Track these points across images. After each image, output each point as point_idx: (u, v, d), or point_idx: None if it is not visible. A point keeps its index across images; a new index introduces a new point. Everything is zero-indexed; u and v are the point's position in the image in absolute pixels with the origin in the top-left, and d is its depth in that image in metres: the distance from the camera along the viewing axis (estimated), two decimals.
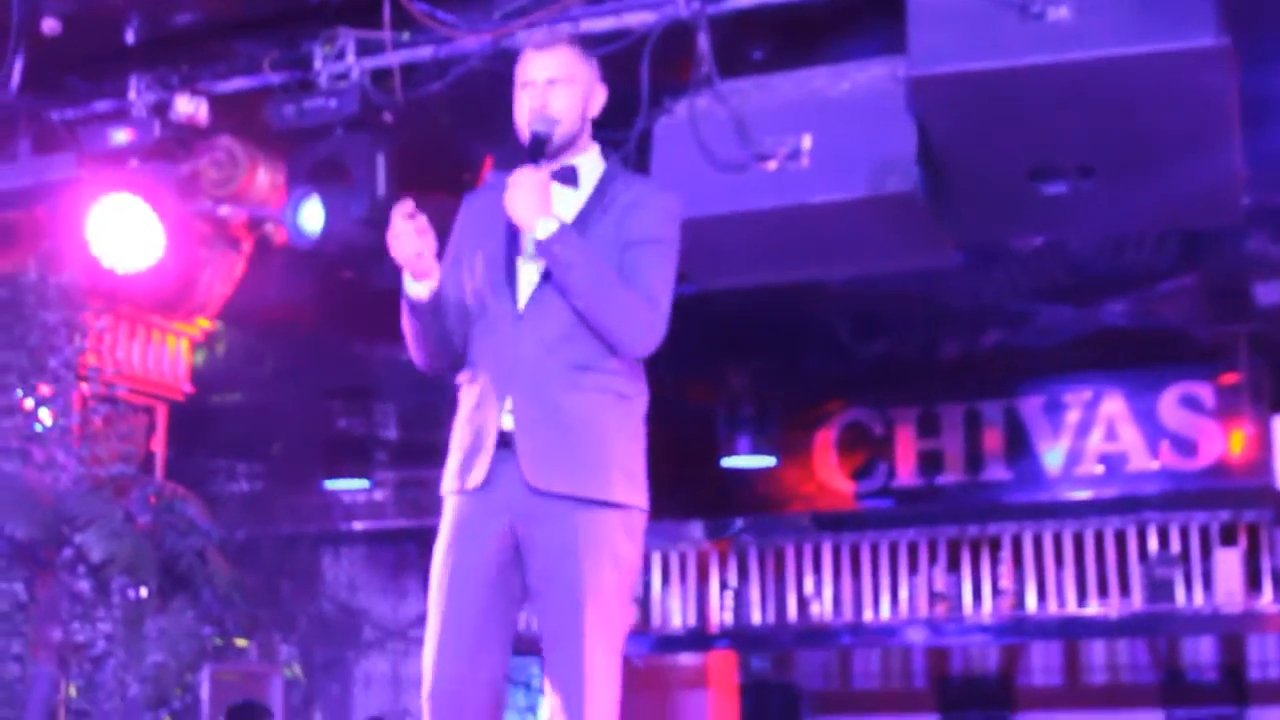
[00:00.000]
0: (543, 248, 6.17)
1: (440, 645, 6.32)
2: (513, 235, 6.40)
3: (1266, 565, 16.73)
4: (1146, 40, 9.72)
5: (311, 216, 11.54)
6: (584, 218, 6.40)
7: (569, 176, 6.48)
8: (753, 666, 19.49)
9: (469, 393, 6.46)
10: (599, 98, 6.64)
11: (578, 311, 6.21)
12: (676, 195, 6.69)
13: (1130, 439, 17.03)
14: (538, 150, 6.32)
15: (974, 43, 9.93)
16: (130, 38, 12.07)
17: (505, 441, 6.22)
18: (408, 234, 6.12)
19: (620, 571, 6.30)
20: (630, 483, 6.33)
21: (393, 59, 11.45)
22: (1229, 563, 16.89)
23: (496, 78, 8.78)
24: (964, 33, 9.95)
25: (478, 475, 6.26)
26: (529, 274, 6.36)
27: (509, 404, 6.25)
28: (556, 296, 6.25)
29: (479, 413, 6.35)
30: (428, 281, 6.23)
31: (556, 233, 6.12)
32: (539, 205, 6.15)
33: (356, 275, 10.91)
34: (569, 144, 6.51)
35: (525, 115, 6.41)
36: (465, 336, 6.51)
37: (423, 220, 6.15)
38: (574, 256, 6.16)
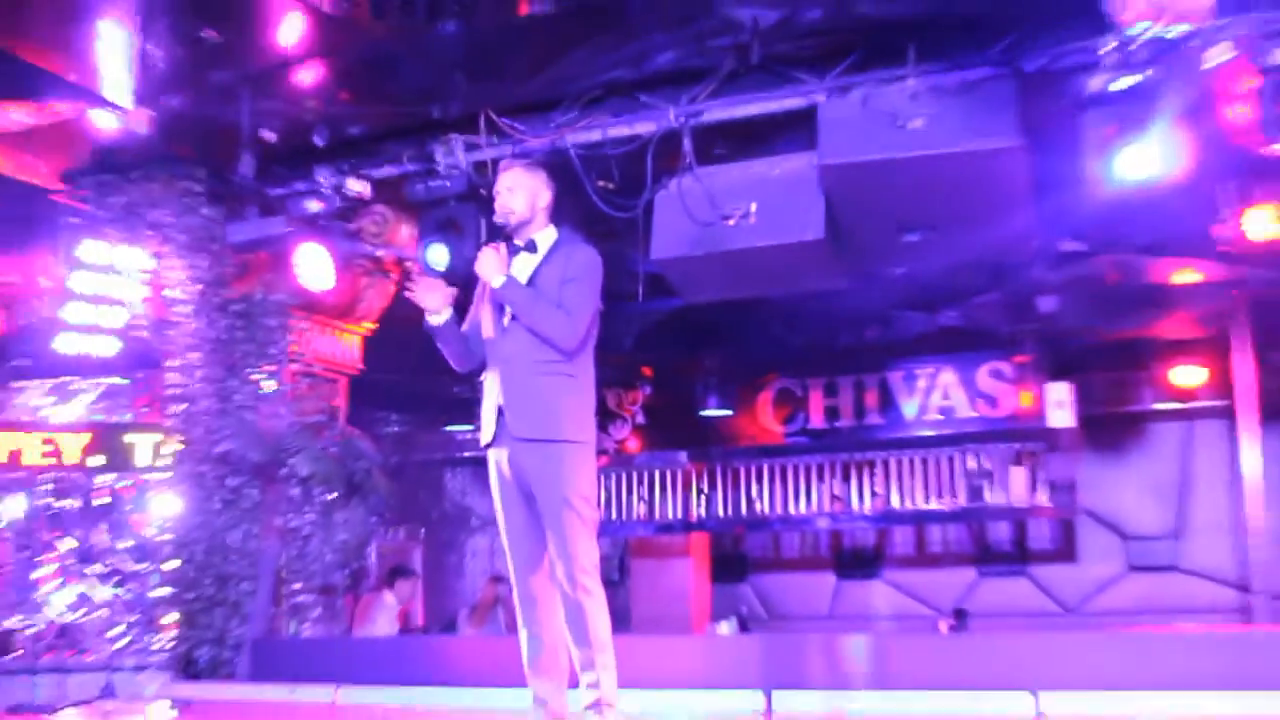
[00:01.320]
0: (497, 294, 6.86)
1: (510, 543, 7.01)
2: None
3: (1041, 477, 16.63)
4: (970, 141, 9.73)
5: (438, 257, 11.48)
6: (539, 270, 6.96)
7: (531, 247, 7.03)
8: (718, 542, 19.38)
9: (485, 385, 7.03)
10: (545, 195, 7.13)
11: (524, 326, 6.81)
12: (595, 251, 7.13)
13: (958, 398, 16.87)
14: (497, 233, 7.04)
15: (861, 142, 9.92)
16: (319, 142, 11.96)
17: (500, 413, 6.84)
18: (425, 290, 6.97)
19: (581, 480, 6.80)
20: (576, 427, 6.84)
21: (486, 154, 11.36)
22: (1018, 476, 16.77)
23: (551, 166, 8.70)
24: (855, 136, 9.94)
25: (487, 435, 6.95)
26: (509, 309, 6.92)
27: (501, 390, 6.84)
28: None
29: (489, 397, 6.95)
30: (439, 316, 6.97)
31: (505, 284, 6.82)
32: (494, 269, 6.82)
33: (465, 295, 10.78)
34: (525, 226, 7.05)
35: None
36: (480, 351, 7.13)
37: (430, 280, 7.06)
38: (515, 297, 6.82)
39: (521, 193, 7.00)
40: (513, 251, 6.99)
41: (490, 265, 6.79)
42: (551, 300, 6.81)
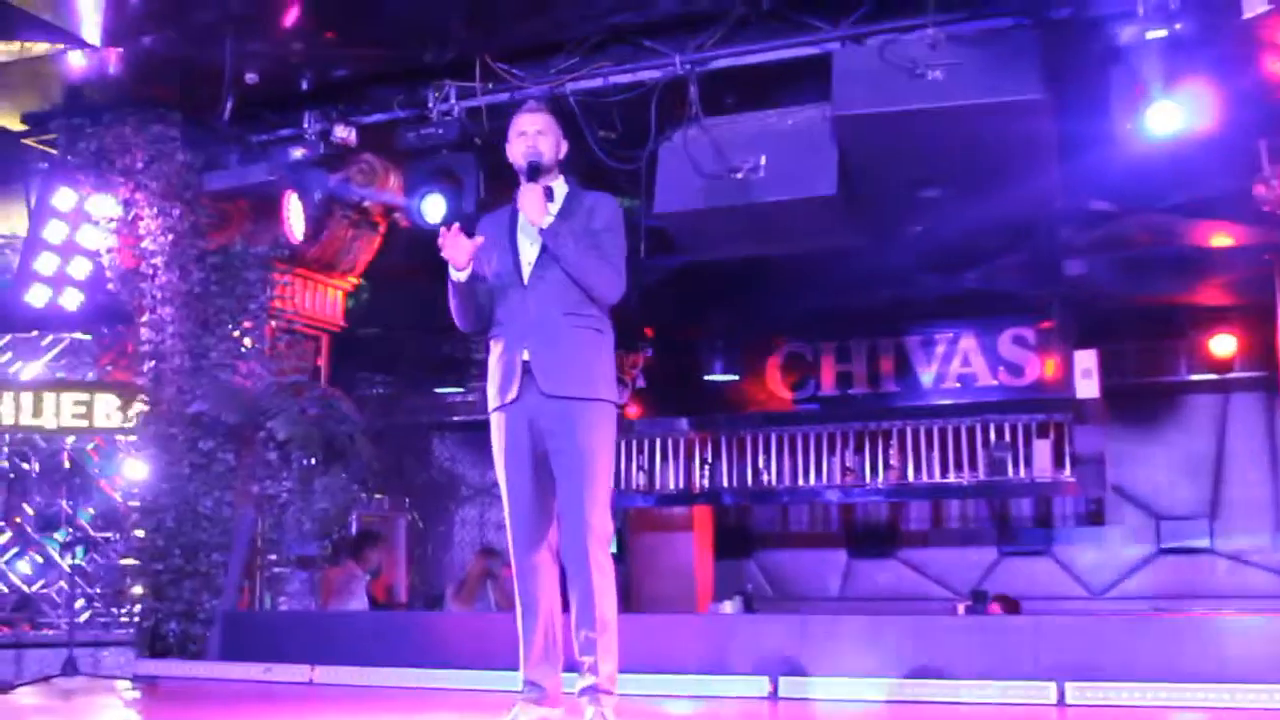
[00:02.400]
0: (545, 233, 6.81)
1: (514, 515, 6.98)
2: (513, 240, 7.02)
3: (1067, 450, 16.76)
4: (993, 94, 9.82)
5: (433, 209, 11.68)
6: (559, 219, 6.89)
7: (549, 195, 6.97)
8: (723, 516, 19.46)
9: (496, 344, 7.03)
10: (564, 147, 7.23)
11: (568, 275, 6.82)
12: (616, 199, 7.25)
13: (978, 365, 17.06)
14: (534, 173, 6.94)
15: (878, 93, 10.00)
16: (304, 86, 12.07)
17: (527, 369, 6.79)
18: (452, 243, 6.78)
19: (607, 445, 6.92)
20: (607, 386, 6.91)
21: (481, 102, 11.47)
22: (1042, 449, 16.90)
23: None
24: (871, 86, 10.02)
25: (511, 393, 6.86)
26: (529, 257, 6.97)
27: (527, 346, 6.81)
28: (550, 270, 6.87)
29: (507, 354, 6.92)
30: (465, 271, 6.84)
31: (553, 224, 6.81)
32: (541, 207, 6.79)
33: None
34: (548, 173, 7.06)
35: (520, 152, 7.06)
36: (490, 309, 7.03)
37: (458, 234, 6.83)
38: (565, 238, 6.81)
39: (550, 137, 7.09)
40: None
41: (534, 205, 6.80)
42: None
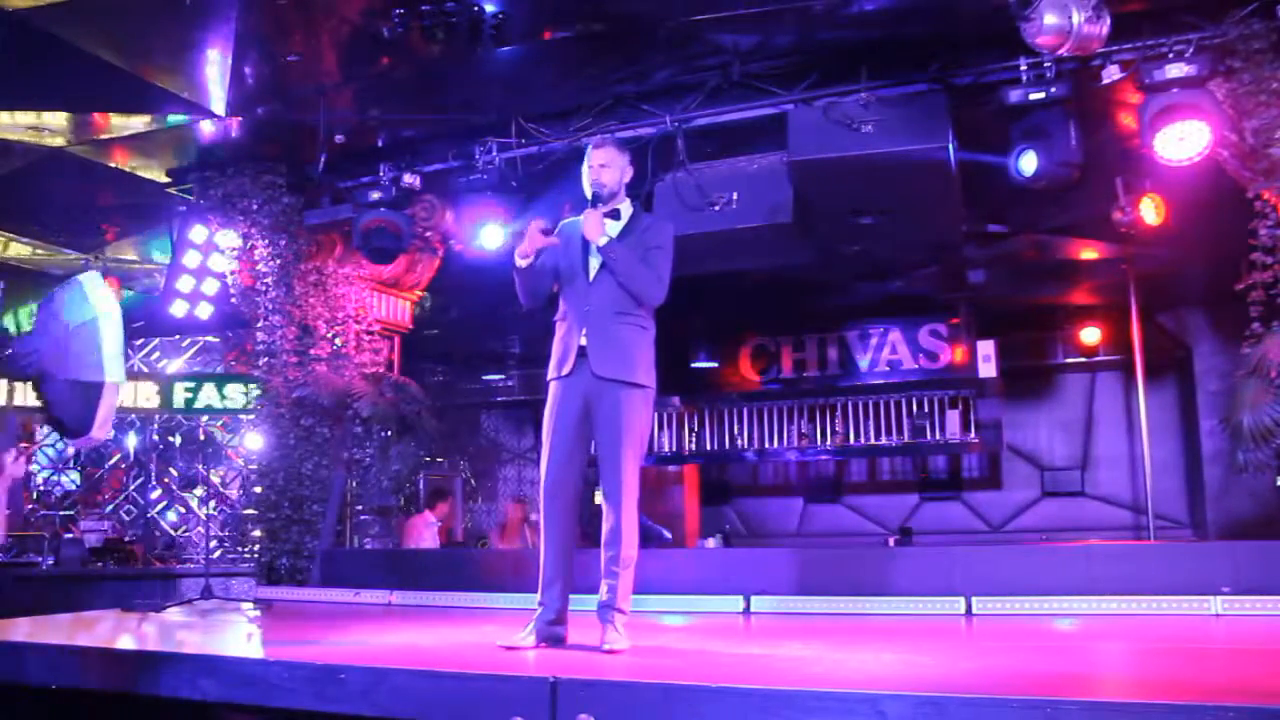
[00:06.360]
0: (602, 250, 6.73)
1: (549, 463, 6.81)
2: (584, 247, 6.87)
3: (972, 418, 16.73)
4: (912, 142, 9.80)
5: (490, 237, 11.87)
6: (622, 236, 6.87)
7: (615, 215, 6.93)
8: (707, 472, 19.43)
9: (560, 327, 6.88)
10: (629, 173, 7.05)
11: (619, 283, 6.71)
12: (671, 223, 7.09)
13: (904, 352, 16.98)
14: (596, 200, 6.85)
15: (822, 142, 9.98)
16: (380, 143, 12.05)
17: (582, 352, 6.71)
18: (531, 237, 6.73)
19: (642, 422, 6.79)
20: (647, 373, 6.79)
21: (517, 154, 11.45)
22: (953, 417, 16.87)
23: (572, 164, 8.79)
24: (818, 137, 9.99)
25: (567, 368, 6.74)
26: (595, 262, 6.81)
27: (584, 331, 6.72)
28: (609, 276, 6.74)
29: (568, 336, 6.81)
30: (527, 259, 6.77)
31: (609, 243, 6.74)
32: (599, 228, 6.73)
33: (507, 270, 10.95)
34: (613, 197, 6.95)
35: (588, 181, 6.93)
36: (553, 292, 7.00)
37: (537, 233, 6.74)
38: (618, 254, 6.71)
39: (613, 169, 6.94)
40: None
41: (594, 226, 6.73)
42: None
